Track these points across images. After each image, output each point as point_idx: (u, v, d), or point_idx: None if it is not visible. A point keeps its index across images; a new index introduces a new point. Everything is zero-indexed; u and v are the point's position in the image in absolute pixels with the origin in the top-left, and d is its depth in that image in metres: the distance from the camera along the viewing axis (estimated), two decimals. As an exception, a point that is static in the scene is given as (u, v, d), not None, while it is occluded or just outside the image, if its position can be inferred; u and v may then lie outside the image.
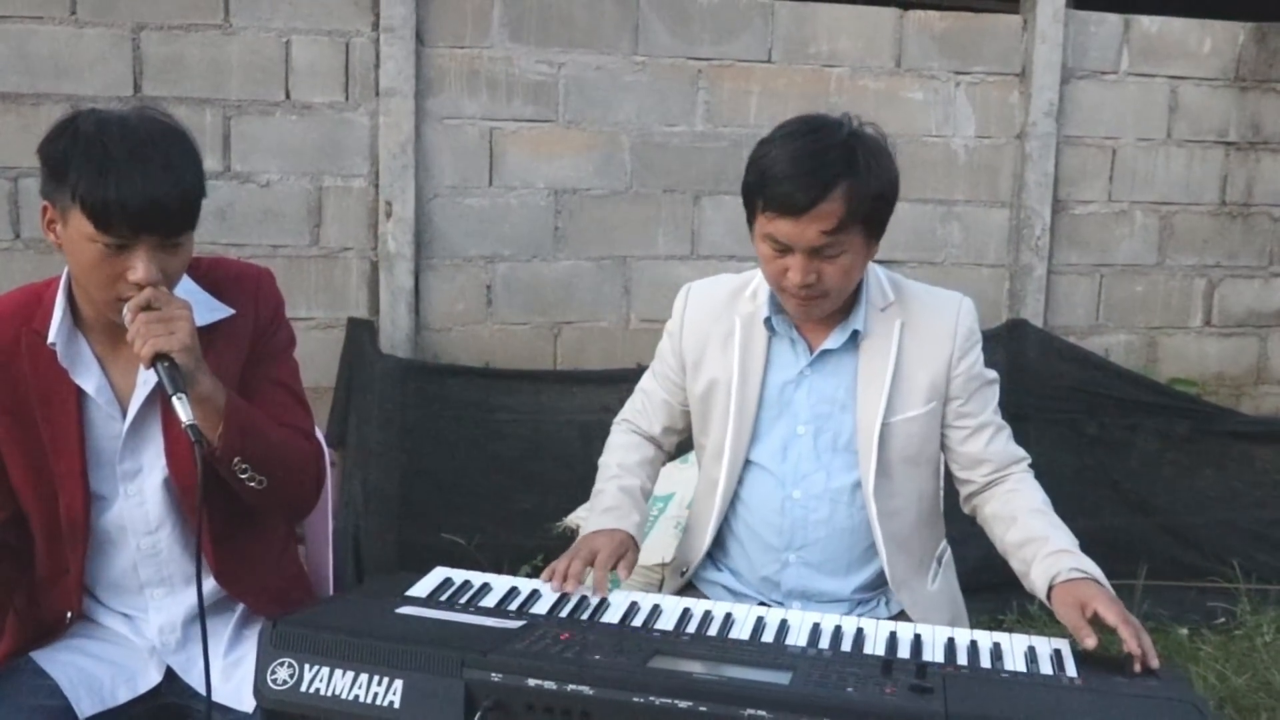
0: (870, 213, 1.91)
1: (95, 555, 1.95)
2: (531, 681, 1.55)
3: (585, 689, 1.53)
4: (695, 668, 1.59)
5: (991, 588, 3.81)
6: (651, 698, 1.52)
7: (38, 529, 1.92)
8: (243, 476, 1.85)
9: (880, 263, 2.11)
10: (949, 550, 2.26)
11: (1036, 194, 4.64)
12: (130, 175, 1.69)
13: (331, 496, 2.21)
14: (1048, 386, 4.10)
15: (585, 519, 2.14)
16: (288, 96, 4.07)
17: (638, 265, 4.44)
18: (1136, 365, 4.77)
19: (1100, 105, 4.71)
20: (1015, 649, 1.76)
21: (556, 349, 4.43)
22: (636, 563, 2.04)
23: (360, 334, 4.08)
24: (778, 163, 1.88)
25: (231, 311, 1.95)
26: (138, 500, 1.93)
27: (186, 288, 1.90)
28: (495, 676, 1.56)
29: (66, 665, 1.90)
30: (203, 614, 1.74)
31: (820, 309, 2.00)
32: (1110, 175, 4.76)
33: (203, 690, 1.79)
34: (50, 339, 1.84)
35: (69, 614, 1.94)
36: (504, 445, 3.95)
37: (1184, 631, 3.73)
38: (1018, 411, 3.98)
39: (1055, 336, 4.47)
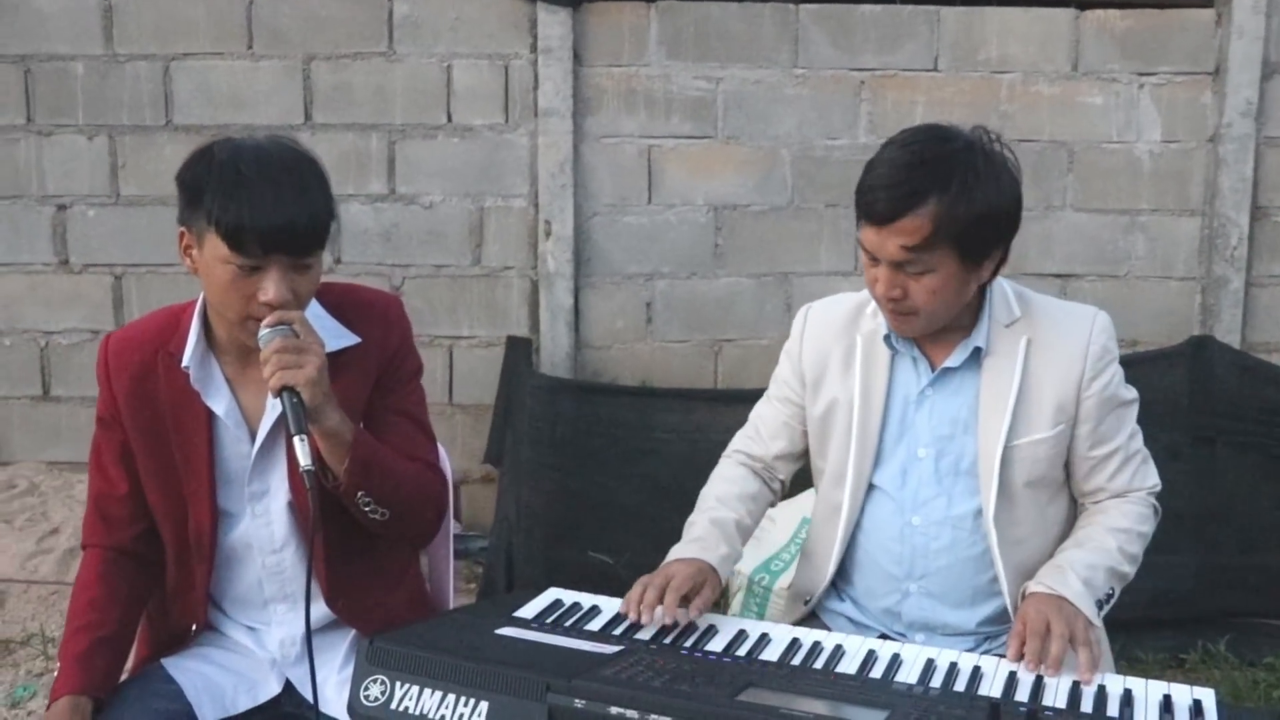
0: (965, 234, 1.78)
1: (222, 570, 2.01)
2: (614, 709, 1.50)
3: (667, 720, 1.47)
4: (786, 702, 1.51)
5: (1173, 624, 3.55)
6: (732, 732, 1.44)
7: (168, 543, 1.99)
8: (365, 509, 1.88)
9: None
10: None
11: (1232, 201, 4.31)
12: (262, 196, 1.74)
13: (453, 517, 2.20)
14: (1240, 408, 3.78)
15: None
16: (449, 119, 4.17)
17: (800, 282, 4.34)
18: (1350, 385, 4.37)
19: (1307, 102, 4.35)
20: (1150, 697, 1.61)
21: (717, 367, 4.38)
22: (713, 599, 1.91)
23: (517, 352, 4.13)
24: (876, 168, 1.81)
25: (358, 339, 1.97)
26: (264, 520, 1.97)
27: (314, 313, 1.92)
28: (579, 703, 1.52)
29: (192, 672, 1.96)
30: (309, 637, 1.79)
31: (911, 327, 1.90)
32: (1320, 179, 4.39)
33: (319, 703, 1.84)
34: (185, 362, 1.90)
35: (194, 625, 2.00)
36: (657, 464, 3.91)
37: (1403, 678, 3.37)
38: (1203, 434, 3.72)
39: (1248, 354, 4.12)
